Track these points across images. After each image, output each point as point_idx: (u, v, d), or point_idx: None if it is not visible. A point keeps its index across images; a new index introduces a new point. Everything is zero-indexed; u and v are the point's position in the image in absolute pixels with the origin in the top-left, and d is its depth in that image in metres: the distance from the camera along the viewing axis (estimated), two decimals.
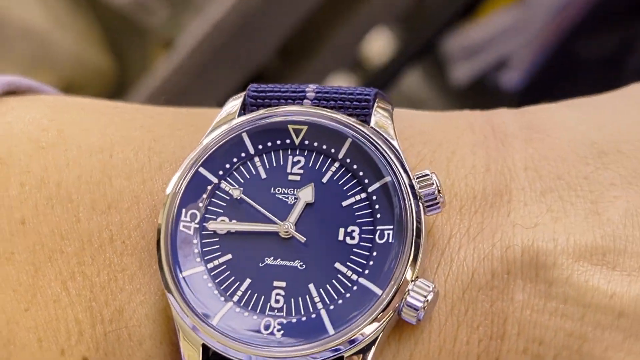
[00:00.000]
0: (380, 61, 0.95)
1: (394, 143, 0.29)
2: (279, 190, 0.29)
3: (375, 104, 0.30)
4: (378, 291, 0.27)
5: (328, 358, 0.27)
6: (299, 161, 0.29)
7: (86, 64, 0.85)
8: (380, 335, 0.27)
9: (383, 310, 0.26)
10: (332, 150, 0.29)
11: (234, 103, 0.31)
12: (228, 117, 0.30)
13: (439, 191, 0.27)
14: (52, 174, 0.30)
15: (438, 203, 0.27)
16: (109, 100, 0.34)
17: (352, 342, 0.26)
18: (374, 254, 0.27)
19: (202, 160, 0.29)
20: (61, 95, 0.34)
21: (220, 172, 0.29)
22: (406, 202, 0.28)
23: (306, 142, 0.29)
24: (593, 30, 0.76)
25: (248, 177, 0.29)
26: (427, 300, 0.26)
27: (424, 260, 0.27)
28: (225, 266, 0.28)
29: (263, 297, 0.28)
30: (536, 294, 0.26)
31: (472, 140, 0.30)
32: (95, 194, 0.29)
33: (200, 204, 0.29)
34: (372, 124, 0.29)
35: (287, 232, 0.28)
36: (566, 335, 0.26)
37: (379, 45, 0.98)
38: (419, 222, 0.27)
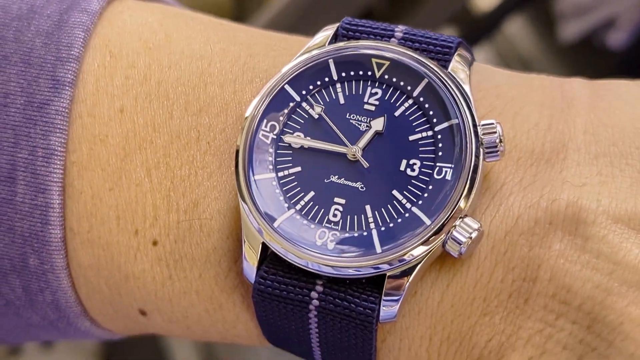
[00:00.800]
0: (487, 10, 0.95)
1: (466, 88, 0.29)
2: (353, 116, 0.30)
3: (456, 52, 0.30)
4: (427, 221, 0.28)
5: (372, 273, 0.28)
6: (376, 93, 0.30)
7: None
8: (423, 262, 0.28)
9: (429, 239, 0.28)
10: (408, 88, 0.30)
11: (327, 33, 0.32)
12: (320, 43, 0.31)
13: (500, 140, 0.28)
14: (155, 73, 0.31)
15: (498, 151, 0.28)
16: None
17: (395, 262, 0.28)
18: (430, 187, 0.28)
19: (288, 79, 0.30)
20: (172, 6, 0.36)
21: (303, 92, 0.30)
22: (468, 145, 0.28)
23: (386, 76, 0.30)
24: None
25: (328, 100, 0.30)
26: (471, 237, 0.27)
27: (475, 201, 0.28)
28: (293, 177, 0.30)
29: (323, 210, 0.29)
30: (572, 246, 0.27)
31: (541, 100, 0.31)
32: (190, 97, 0.31)
33: (281, 118, 0.30)
34: (449, 69, 0.30)
35: (354, 155, 0.29)
36: (593, 286, 0.27)
37: None
38: (476, 165, 0.28)
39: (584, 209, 0.28)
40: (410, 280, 0.28)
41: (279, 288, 0.29)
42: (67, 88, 0.30)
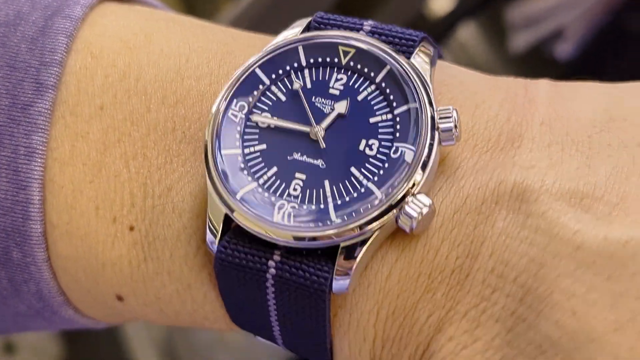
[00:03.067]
0: (440, 15, 0.96)
1: (426, 77, 0.31)
2: (319, 100, 0.31)
3: (420, 45, 0.32)
4: (380, 195, 0.29)
5: (326, 244, 0.30)
6: (341, 78, 0.32)
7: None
8: (375, 235, 0.29)
9: (381, 212, 0.29)
10: (372, 74, 0.31)
11: (301, 22, 0.34)
12: (293, 34, 0.33)
13: (455, 125, 0.30)
14: (134, 70, 0.33)
15: (453, 135, 0.30)
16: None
17: (348, 233, 0.29)
18: (386, 165, 0.30)
19: (259, 62, 0.32)
20: (154, 9, 0.38)
21: (273, 76, 0.32)
22: (424, 127, 0.30)
23: (351, 63, 0.32)
24: None
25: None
26: (422, 213, 0.29)
27: (429, 181, 0.30)
28: (258, 154, 0.31)
29: (284, 184, 0.30)
30: (514, 224, 0.29)
31: (504, 96, 0.32)
32: (167, 91, 0.33)
33: (250, 99, 0.32)
34: (411, 59, 0.32)
35: (316, 134, 0.31)
36: (529, 260, 0.28)
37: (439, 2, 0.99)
38: (431, 145, 0.30)
39: (529, 188, 0.29)
40: (362, 252, 0.29)
41: (239, 257, 0.30)
42: (49, 91, 0.32)
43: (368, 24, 0.33)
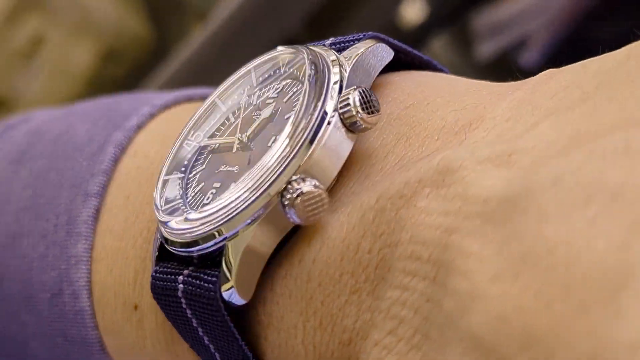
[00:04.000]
0: (413, 26, 0.97)
1: (345, 72, 0.28)
2: (257, 113, 0.30)
3: (362, 41, 0.29)
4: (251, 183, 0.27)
5: (214, 244, 0.27)
6: (278, 87, 0.30)
7: (127, 31, 0.89)
8: (253, 228, 0.26)
9: (259, 194, 0.26)
10: (300, 76, 0.29)
11: None
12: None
13: (357, 113, 0.27)
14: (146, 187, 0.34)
15: (357, 123, 0.27)
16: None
17: (228, 228, 0.27)
18: None
19: (218, 94, 0.32)
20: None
21: (230, 103, 0.31)
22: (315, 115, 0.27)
23: (287, 69, 0.30)
24: (607, 14, 0.77)
25: (243, 103, 0.31)
26: (301, 192, 0.25)
27: (324, 165, 0.27)
28: (198, 175, 0.30)
29: (202, 196, 0.29)
30: (436, 198, 0.24)
31: (467, 88, 0.29)
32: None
33: (207, 129, 0.31)
34: (344, 54, 0.29)
35: (239, 142, 0.29)
36: (442, 231, 0.24)
37: (411, 14, 1.00)
38: (321, 120, 0.26)
39: (455, 158, 0.24)
40: (246, 246, 0.26)
41: (160, 279, 0.29)
42: (92, 199, 0.33)
43: (329, 41, 0.31)
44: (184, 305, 0.28)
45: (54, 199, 0.34)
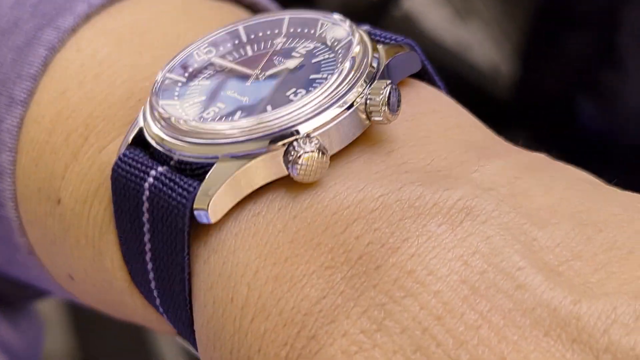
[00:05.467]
0: None
1: (382, 62, 0.29)
2: (279, 59, 0.30)
3: (399, 43, 0.30)
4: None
5: (206, 158, 0.27)
6: (308, 46, 0.30)
7: None
8: (254, 163, 0.26)
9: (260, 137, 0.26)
10: (335, 45, 0.30)
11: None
12: None
13: (385, 102, 0.27)
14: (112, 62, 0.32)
15: (380, 112, 0.27)
16: None
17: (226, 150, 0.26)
18: None
19: (244, 23, 0.31)
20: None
21: (252, 36, 0.31)
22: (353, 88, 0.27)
23: (323, 34, 0.30)
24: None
25: (262, 47, 0.31)
26: (312, 157, 0.25)
27: (342, 134, 0.27)
28: (200, 86, 0.30)
29: (202, 109, 0.29)
30: (450, 235, 0.25)
31: (475, 122, 0.30)
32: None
33: (221, 48, 0.31)
34: (385, 48, 0.29)
35: (256, 77, 0.29)
36: (461, 281, 0.23)
37: None
38: (352, 87, 0.27)
39: (479, 207, 0.25)
40: (236, 174, 0.26)
41: (127, 164, 0.28)
42: (19, 107, 0.31)
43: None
44: (143, 201, 0.27)
45: None
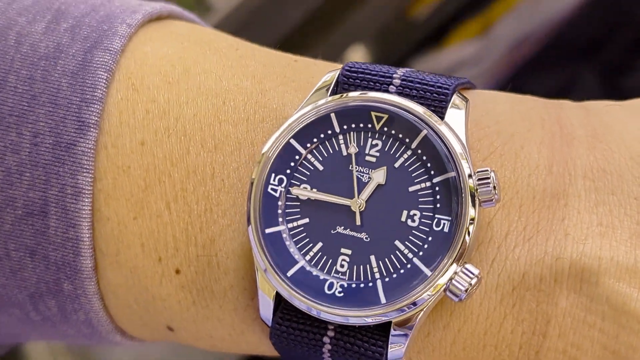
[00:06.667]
0: None
1: (462, 138, 0.30)
2: (356, 168, 0.31)
3: (452, 98, 0.31)
4: (428, 272, 0.30)
5: (378, 321, 0.30)
6: (376, 144, 0.31)
7: None
8: (425, 309, 0.30)
9: (429, 289, 0.29)
10: (407, 140, 0.31)
11: (331, 74, 0.33)
12: (324, 85, 0.33)
13: (494, 187, 0.29)
14: (173, 108, 0.33)
15: (492, 199, 0.29)
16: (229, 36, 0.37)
17: (398, 311, 0.30)
18: (430, 238, 0.30)
19: (294, 133, 0.31)
20: (192, 28, 0.37)
21: (308, 145, 0.31)
22: (464, 197, 0.30)
23: (385, 128, 0.31)
24: (542, 68, 0.84)
25: (331, 152, 0.32)
26: (471, 285, 0.29)
27: (472, 250, 0.30)
28: (302, 228, 0.31)
29: (331, 260, 0.31)
30: (578, 305, 0.29)
31: (541, 136, 0.32)
32: (205, 134, 0.32)
33: (288, 171, 0.31)
34: (446, 117, 0.31)
35: (359, 207, 0.31)
36: (602, 347, 0.29)
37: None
38: (472, 218, 0.29)
39: (587, 268, 0.29)
40: (415, 326, 0.30)
41: (294, 334, 0.31)
42: (91, 129, 0.32)
43: (398, 77, 0.32)
44: (326, 358, 0.31)
45: (23, 112, 0.32)
